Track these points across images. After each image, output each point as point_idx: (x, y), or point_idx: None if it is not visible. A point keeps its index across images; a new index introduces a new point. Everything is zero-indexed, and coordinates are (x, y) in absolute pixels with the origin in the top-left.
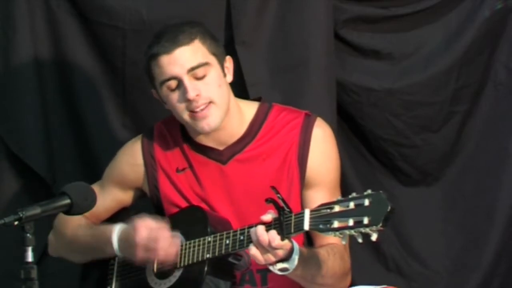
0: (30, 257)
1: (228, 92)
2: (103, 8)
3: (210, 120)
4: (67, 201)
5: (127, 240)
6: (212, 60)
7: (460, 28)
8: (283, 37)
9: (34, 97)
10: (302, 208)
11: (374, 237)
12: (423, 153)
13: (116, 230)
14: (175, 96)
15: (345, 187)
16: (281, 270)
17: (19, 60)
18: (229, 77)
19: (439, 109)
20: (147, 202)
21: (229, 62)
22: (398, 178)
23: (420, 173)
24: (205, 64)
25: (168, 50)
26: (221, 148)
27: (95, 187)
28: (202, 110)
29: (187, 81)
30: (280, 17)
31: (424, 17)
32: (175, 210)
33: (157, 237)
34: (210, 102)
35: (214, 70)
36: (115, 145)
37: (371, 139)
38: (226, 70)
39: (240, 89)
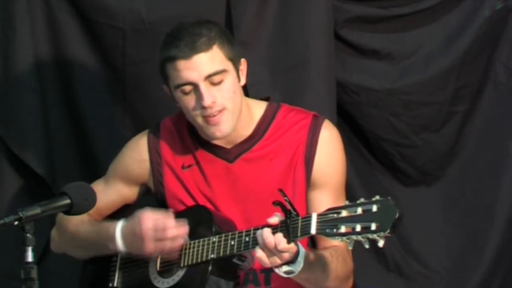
0: (30, 257)
1: (241, 96)
2: (103, 8)
3: (222, 126)
4: (67, 201)
5: (133, 234)
6: (229, 66)
7: (460, 28)
8: (283, 37)
9: (34, 97)
10: (307, 209)
11: (381, 243)
12: (423, 153)
13: (119, 226)
14: (189, 100)
15: (345, 188)
16: (286, 272)
17: (19, 60)
18: (243, 80)
19: (439, 109)
20: (151, 199)
21: (243, 64)
22: (398, 178)
23: (420, 173)
24: (222, 71)
25: (186, 56)
26: (228, 146)
27: (100, 182)
28: (215, 116)
29: (204, 88)
30: (280, 17)
31: (424, 17)
32: (180, 206)
33: (163, 226)
34: (224, 109)
35: (230, 77)
36: (115, 145)
37: (371, 139)
38: (240, 73)
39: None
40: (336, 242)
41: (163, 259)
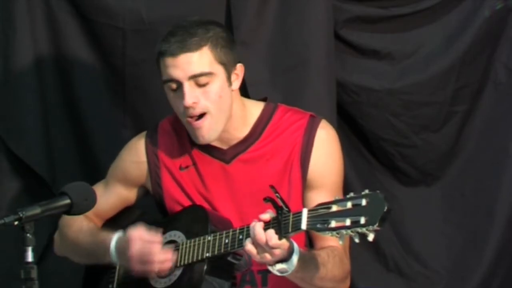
0: (30, 257)
1: (229, 101)
2: (103, 8)
3: (204, 132)
4: (67, 201)
5: (123, 252)
6: (218, 69)
7: (460, 28)
8: (283, 37)
9: (34, 97)
10: None
11: (370, 237)
12: (423, 153)
13: (114, 240)
14: (175, 98)
15: (345, 187)
16: (280, 271)
17: (19, 60)
18: (236, 85)
19: (439, 109)
20: (151, 200)
21: (239, 69)
22: (398, 178)
23: (420, 173)
24: (209, 74)
25: (173, 53)
26: (225, 147)
27: (100, 185)
28: (197, 120)
29: (187, 87)
30: (280, 17)
31: (424, 17)
32: (178, 207)
33: (150, 251)
34: (206, 113)
35: (217, 81)
36: (115, 145)
37: (371, 139)
38: (233, 77)
39: (240, 88)
40: (332, 242)
41: None
